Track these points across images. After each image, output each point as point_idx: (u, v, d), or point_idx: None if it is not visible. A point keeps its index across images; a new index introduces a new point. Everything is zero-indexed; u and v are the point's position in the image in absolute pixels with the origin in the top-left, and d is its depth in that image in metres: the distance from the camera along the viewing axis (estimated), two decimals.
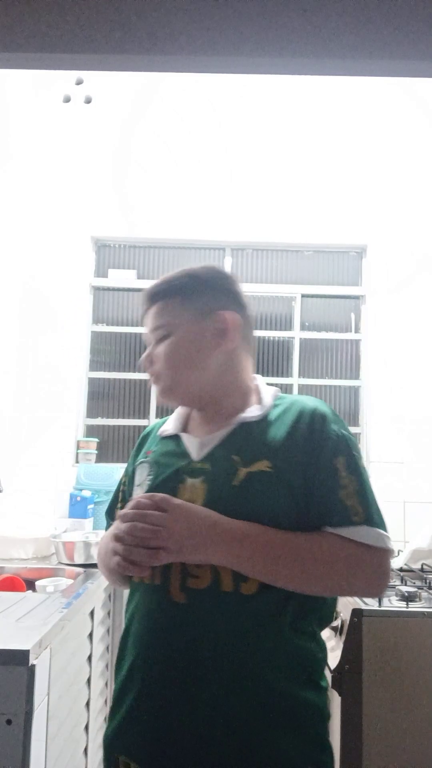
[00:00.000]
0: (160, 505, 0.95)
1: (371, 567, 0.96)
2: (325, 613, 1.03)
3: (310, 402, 1.06)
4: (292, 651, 0.95)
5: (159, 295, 1.11)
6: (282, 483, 0.97)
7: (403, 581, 1.98)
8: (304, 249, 3.34)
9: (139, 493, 1.05)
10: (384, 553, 0.97)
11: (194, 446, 1.06)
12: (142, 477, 1.09)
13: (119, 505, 1.19)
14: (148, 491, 1.03)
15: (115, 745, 0.99)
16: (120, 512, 0.99)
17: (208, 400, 1.09)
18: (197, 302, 1.09)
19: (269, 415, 1.05)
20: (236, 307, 1.11)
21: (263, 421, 1.05)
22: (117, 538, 0.97)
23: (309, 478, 0.98)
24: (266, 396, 1.10)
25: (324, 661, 1.03)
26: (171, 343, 1.07)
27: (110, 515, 1.23)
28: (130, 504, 0.99)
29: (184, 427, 1.14)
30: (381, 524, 0.98)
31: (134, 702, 0.96)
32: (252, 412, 1.06)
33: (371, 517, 0.97)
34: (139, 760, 0.95)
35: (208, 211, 3.23)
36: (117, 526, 0.98)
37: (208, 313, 1.08)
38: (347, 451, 1.01)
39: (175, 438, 1.11)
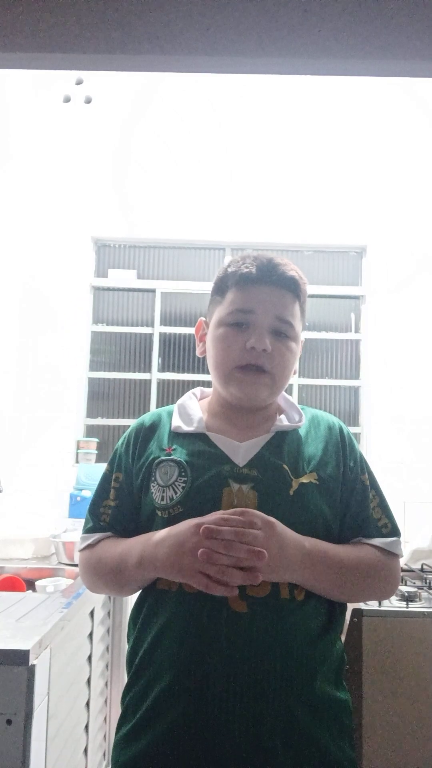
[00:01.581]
0: (252, 522, 0.88)
1: (392, 573, 1.03)
2: (344, 613, 1.07)
3: (333, 418, 1.11)
4: (333, 653, 0.98)
5: (294, 288, 1.06)
6: (326, 496, 1.00)
7: (403, 581, 1.98)
8: (304, 249, 3.34)
9: (169, 495, 0.99)
10: (398, 559, 1.05)
11: (233, 449, 1.02)
12: (170, 477, 1.01)
13: (113, 503, 1.09)
14: (185, 494, 0.98)
15: (150, 764, 0.92)
16: (206, 527, 0.87)
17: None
18: (303, 321, 1.11)
19: (299, 427, 1.08)
20: None
21: (295, 432, 1.06)
22: (207, 556, 0.85)
23: (345, 493, 1.03)
24: (291, 404, 1.12)
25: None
26: (292, 351, 1.06)
27: (95, 514, 1.10)
28: (212, 518, 0.89)
29: (206, 425, 1.08)
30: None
31: (180, 719, 0.90)
32: (285, 420, 1.07)
33: (396, 528, 1.05)
34: None
35: (208, 211, 3.23)
36: (198, 541, 0.87)
37: (300, 335, 1.11)
38: (368, 468, 1.08)
39: (201, 437, 1.05)
